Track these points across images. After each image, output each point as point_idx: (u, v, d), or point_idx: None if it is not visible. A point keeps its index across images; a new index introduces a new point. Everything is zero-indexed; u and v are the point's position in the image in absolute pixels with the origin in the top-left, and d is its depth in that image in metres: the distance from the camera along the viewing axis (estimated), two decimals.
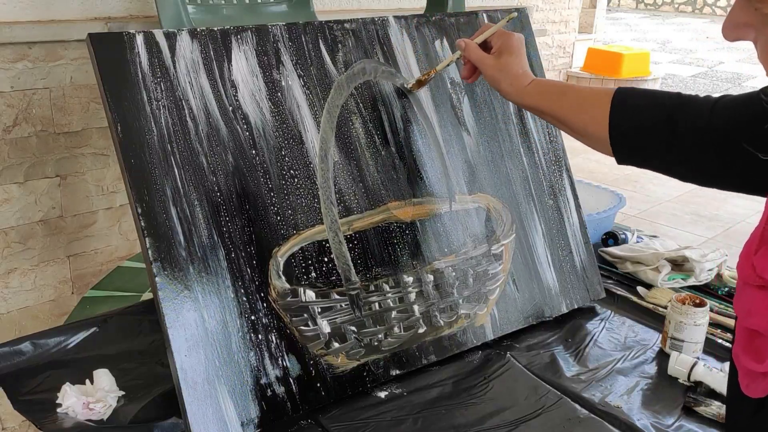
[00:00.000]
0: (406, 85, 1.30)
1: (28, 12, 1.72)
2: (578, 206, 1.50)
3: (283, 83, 1.19)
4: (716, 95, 0.89)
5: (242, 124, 1.14)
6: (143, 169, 1.05)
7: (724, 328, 1.41)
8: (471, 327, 1.30)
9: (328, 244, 1.17)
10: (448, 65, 1.29)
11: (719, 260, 1.61)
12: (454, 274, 1.29)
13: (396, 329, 1.22)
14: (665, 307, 1.38)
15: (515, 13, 1.17)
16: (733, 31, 0.75)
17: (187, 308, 1.04)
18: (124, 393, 1.13)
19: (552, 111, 1.04)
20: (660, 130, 0.90)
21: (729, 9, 0.75)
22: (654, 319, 1.44)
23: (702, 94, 0.91)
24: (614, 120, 0.93)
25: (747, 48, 9.68)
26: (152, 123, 1.07)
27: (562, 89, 1.06)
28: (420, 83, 1.29)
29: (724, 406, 1.14)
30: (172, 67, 1.10)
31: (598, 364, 1.29)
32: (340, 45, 1.26)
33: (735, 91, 7.45)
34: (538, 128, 1.47)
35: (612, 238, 1.78)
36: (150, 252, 1.02)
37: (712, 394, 1.18)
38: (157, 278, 1.02)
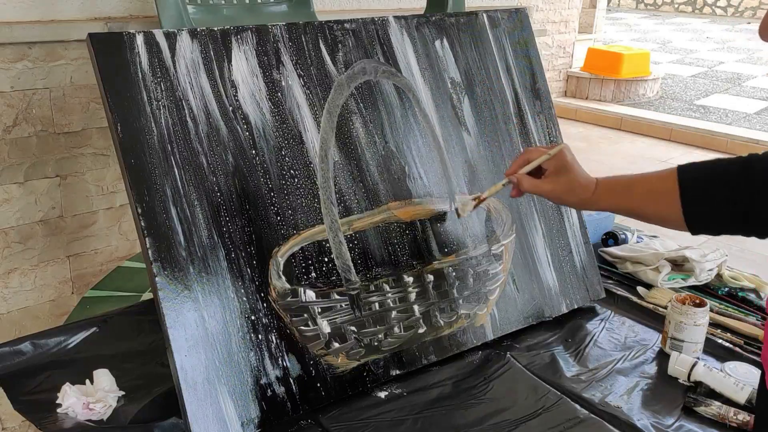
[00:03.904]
0: (459, 211, 1.23)
1: (28, 12, 1.71)
2: None
3: (283, 83, 1.19)
4: None
5: (242, 124, 1.14)
6: (143, 169, 1.05)
7: (724, 328, 1.41)
8: (471, 327, 1.30)
9: (328, 244, 1.17)
10: (495, 193, 1.22)
11: (719, 260, 1.61)
12: (454, 274, 1.29)
13: (396, 329, 1.22)
14: (665, 307, 1.38)
15: (563, 144, 1.08)
16: None
17: (187, 308, 1.04)
18: (124, 393, 1.13)
19: (624, 207, 1.03)
20: (730, 198, 0.89)
21: (765, 10, 0.75)
22: (654, 319, 1.44)
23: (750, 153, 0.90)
24: (687, 201, 0.92)
25: (747, 48, 9.65)
26: (152, 123, 1.07)
27: (627, 184, 1.03)
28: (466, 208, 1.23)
29: (724, 406, 1.14)
30: (172, 67, 1.10)
31: (598, 364, 1.29)
32: (340, 45, 1.26)
33: (735, 90, 7.44)
34: (537, 128, 1.47)
35: (612, 238, 1.78)
36: (150, 252, 1.02)
37: (712, 394, 1.18)
38: (157, 278, 1.02)
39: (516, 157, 1.11)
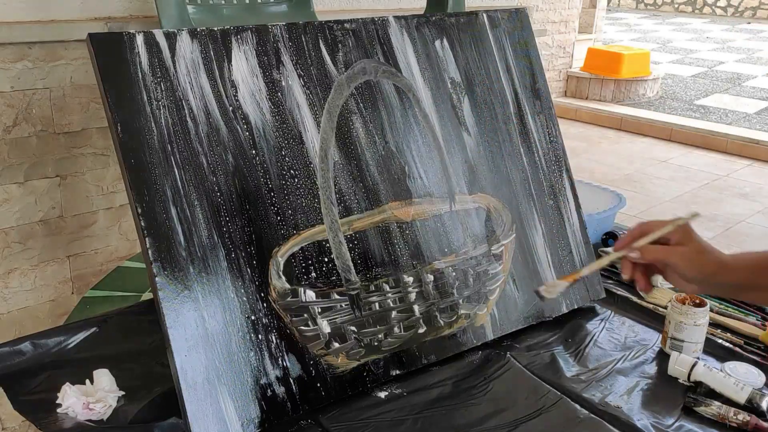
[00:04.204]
0: (543, 293, 1.14)
1: (28, 12, 1.72)
2: (578, 206, 1.50)
3: (283, 83, 1.19)
4: None
5: (242, 124, 1.14)
6: (143, 169, 1.05)
7: (724, 328, 1.41)
8: (471, 327, 1.30)
9: (328, 244, 1.17)
10: (600, 268, 1.09)
11: None
12: (454, 274, 1.29)
13: (396, 329, 1.22)
14: (665, 307, 1.38)
15: (692, 214, 1.01)
16: None
17: (187, 308, 1.04)
18: (124, 393, 1.13)
19: (763, 279, 0.95)
20: None
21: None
22: (654, 319, 1.44)
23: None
24: None
25: (747, 48, 9.64)
26: (152, 123, 1.07)
27: (764, 255, 0.96)
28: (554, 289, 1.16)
29: (724, 406, 1.14)
30: (172, 67, 1.10)
31: (598, 364, 1.29)
32: (340, 45, 1.26)
33: (735, 90, 7.45)
34: (538, 128, 1.47)
35: (612, 238, 1.78)
36: (150, 252, 1.02)
37: (712, 394, 1.18)
38: (157, 278, 1.02)
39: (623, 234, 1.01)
